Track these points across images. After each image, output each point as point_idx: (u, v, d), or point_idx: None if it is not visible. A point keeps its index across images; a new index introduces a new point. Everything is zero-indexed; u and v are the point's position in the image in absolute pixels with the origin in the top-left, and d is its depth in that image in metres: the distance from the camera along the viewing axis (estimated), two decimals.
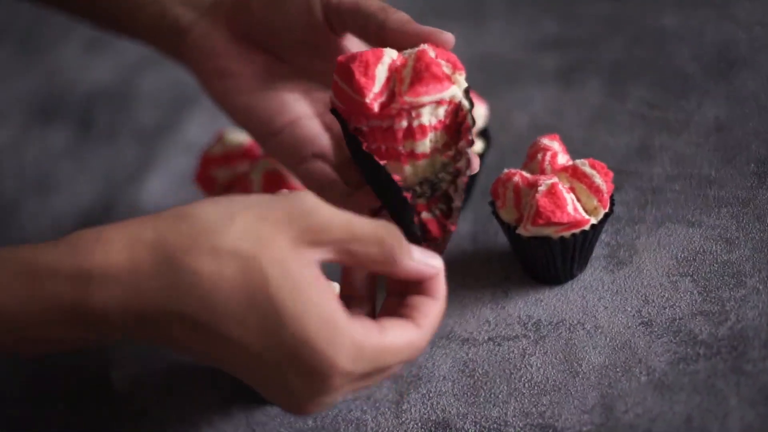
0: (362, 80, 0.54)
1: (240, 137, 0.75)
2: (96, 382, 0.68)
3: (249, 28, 0.63)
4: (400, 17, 0.57)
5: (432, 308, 0.53)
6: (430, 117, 0.55)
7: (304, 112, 0.64)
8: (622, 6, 0.87)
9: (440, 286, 0.53)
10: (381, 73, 0.55)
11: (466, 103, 0.56)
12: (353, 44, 0.62)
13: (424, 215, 0.56)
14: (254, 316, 0.48)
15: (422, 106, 0.55)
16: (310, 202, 0.50)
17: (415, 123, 0.55)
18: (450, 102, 0.56)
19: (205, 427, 0.64)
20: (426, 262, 0.52)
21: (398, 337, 0.51)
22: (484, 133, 0.74)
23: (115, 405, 0.67)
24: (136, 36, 0.70)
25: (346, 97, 0.55)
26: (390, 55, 0.56)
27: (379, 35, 0.58)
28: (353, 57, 0.55)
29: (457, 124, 0.56)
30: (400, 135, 0.55)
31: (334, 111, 0.58)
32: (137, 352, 0.70)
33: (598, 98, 0.79)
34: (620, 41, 0.83)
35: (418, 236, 0.55)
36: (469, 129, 0.56)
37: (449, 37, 0.57)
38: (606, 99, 0.79)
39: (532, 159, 0.66)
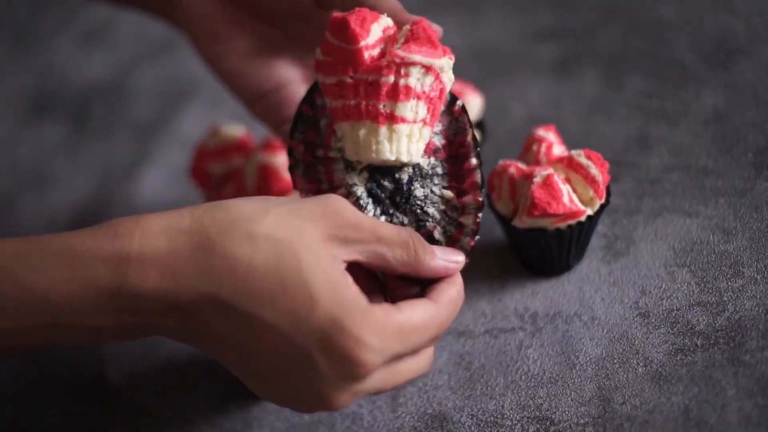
0: (357, 29, 0.54)
1: (235, 131, 0.74)
2: (93, 380, 0.68)
3: None
4: (391, 4, 0.57)
5: (446, 287, 0.54)
6: (417, 82, 0.55)
7: (292, 77, 0.64)
8: None
9: (455, 273, 0.56)
10: (376, 30, 0.55)
11: (474, 161, 0.56)
12: None
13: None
14: (287, 298, 0.49)
15: (413, 64, 0.54)
16: (339, 203, 0.53)
17: (402, 82, 0.54)
18: (437, 77, 0.55)
19: (203, 423, 0.64)
20: (449, 259, 0.55)
21: (415, 312, 0.52)
22: (480, 125, 0.74)
23: (112, 402, 0.67)
24: (130, 1, 0.71)
25: (334, 48, 0.55)
26: (386, 21, 0.56)
27: None
28: (350, 12, 0.54)
29: (459, 160, 0.56)
30: (384, 90, 0.54)
31: (310, 92, 0.57)
32: (134, 348, 0.69)
33: (595, 89, 0.78)
34: (617, 31, 0.83)
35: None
36: (478, 186, 0.56)
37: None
38: (603, 90, 0.78)
39: (528, 150, 0.65)
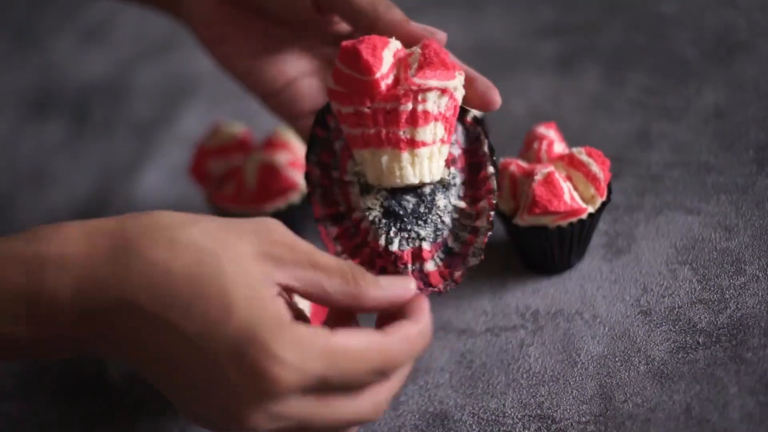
0: (370, 59, 0.53)
1: (235, 129, 0.74)
2: (92, 377, 0.68)
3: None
4: (391, 17, 0.57)
5: (406, 323, 0.50)
6: (434, 105, 0.55)
7: (302, 70, 0.64)
8: None
9: (419, 308, 0.52)
10: (387, 57, 0.54)
11: (491, 169, 0.56)
12: (342, 23, 0.63)
13: (428, 266, 0.57)
14: (202, 306, 0.47)
15: (429, 90, 0.54)
16: (273, 224, 0.51)
17: (420, 108, 0.54)
18: (451, 96, 0.55)
19: None
20: (396, 286, 0.52)
21: (353, 338, 0.48)
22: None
23: (111, 399, 0.67)
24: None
25: (348, 79, 0.54)
26: (396, 44, 0.55)
27: (371, 31, 0.57)
28: (359, 40, 0.54)
29: (474, 169, 0.57)
30: (403, 118, 0.54)
31: (321, 114, 0.57)
32: None
33: (597, 85, 0.78)
34: (619, 27, 0.83)
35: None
36: (492, 191, 0.56)
37: (442, 36, 0.57)
38: (604, 86, 0.78)
39: (529, 148, 0.65)
